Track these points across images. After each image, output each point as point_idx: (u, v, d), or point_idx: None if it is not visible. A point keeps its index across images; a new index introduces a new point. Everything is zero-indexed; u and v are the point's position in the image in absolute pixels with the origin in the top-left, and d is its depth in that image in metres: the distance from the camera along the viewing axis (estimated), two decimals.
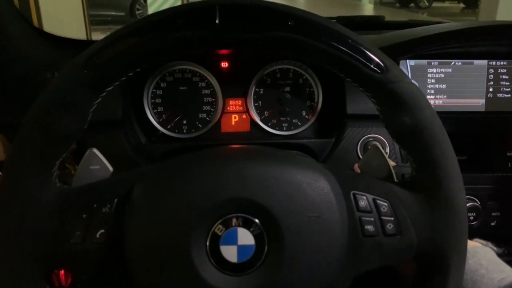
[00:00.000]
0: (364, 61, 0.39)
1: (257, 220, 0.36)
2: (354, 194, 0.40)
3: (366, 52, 0.39)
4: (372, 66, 0.39)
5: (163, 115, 0.78)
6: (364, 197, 0.40)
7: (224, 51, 0.77)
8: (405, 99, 0.40)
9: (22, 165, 0.38)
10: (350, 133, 0.72)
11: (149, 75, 0.76)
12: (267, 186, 0.37)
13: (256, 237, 0.36)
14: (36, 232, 0.37)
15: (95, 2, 5.81)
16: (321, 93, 0.79)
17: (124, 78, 0.39)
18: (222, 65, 0.78)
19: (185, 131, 0.79)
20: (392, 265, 0.41)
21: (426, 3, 10.56)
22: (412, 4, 10.74)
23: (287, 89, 0.79)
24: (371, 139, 0.72)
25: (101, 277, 0.40)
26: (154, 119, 0.78)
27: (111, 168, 0.49)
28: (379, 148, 0.48)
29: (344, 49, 0.39)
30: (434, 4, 10.81)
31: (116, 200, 0.39)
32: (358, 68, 0.40)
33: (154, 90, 0.77)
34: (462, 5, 11.00)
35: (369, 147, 0.71)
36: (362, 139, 0.72)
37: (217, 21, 0.38)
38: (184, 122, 0.78)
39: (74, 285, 0.60)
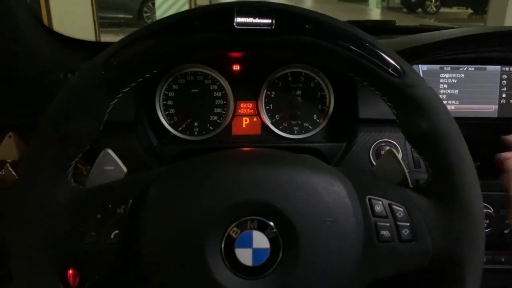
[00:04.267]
0: (381, 65, 0.39)
1: (272, 223, 0.36)
2: (369, 199, 0.40)
3: (383, 56, 0.39)
4: (389, 70, 0.39)
5: (175, 117, 0.78)
6: (380, 202, 0.40)
7: (236, 54, 0.77)
8: (423, 103, 0.40)
9: (38, 165, 0.38)
10: (362, 137, 0.71)
11: (161, 78, 0.76)
12: (283, 189, 0.37)
13: (271, 240, 0.36)
14: (50, 232, 0.38)
15: (104, 4, 5.86)
16: (333, 97, 0.78)
17: (141, 79, 0.40)
18: (234, 68, 0.78)
19: (196, 133, 0.79)
20: (407, 272, 0.40)
21: (434, 9, 10.51)
22: (419, 10, 10.70)
23: (299, 92, 0.79)
24: (383, 144, 0.71)
25: (114, 278, 0.40)
26: (166, 121, 0.78)
27: (125, 169, 0.49)
28: (393, 153, 0.48)
29: (362, 52, 0.39)
30: (442, 10, 10.77)
31: (131, 201, 0.39)
32: (375, 72, 0.40)
33: (166, 92, 0.77)
34: (470, 10, 10.94)
35: (381, 152, 0.70)
36: (374, 143, 0.71)
37: (234, 24, 0.38)
38: (195, 124, 0.78)
39: (82, 286, 0.60)
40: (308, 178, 0.38)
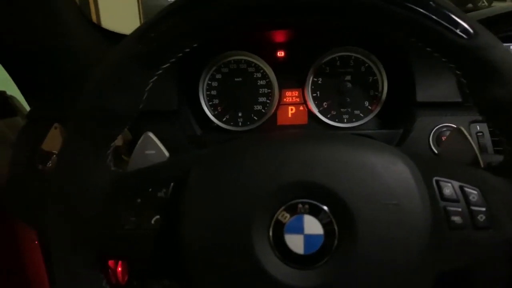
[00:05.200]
0: (448, 25, 0.34)
1: (325, 207, 0.33)
2: (437, 181, 0.36)
3: (450, 15, 0.34)
4: (457, 31, 0.34)
5: (218, 108, 0.76)
6: (449, 184, 0.35)
7: (280, 38, 0.73)
8: (499, 68, 0.34)
9: (76, 147, 0.37)
10: (420, 123, 0.66)
11: (204, 67, 0.75)
12: (337, 169, 0.34)
13: (324, 226, 0.33)
14: (88, 217, 0.36)
15: (150, 2, 6.02)
16: (386, 81, 0.74)
17: (181, 54, 0.37)
18: (278, 54, 0.75)
19: (240, 123, 0.77)
20: (482, 263, 0.36)
21: (486, 3, 9.92)
22: (470, 5, 10.14)
23: (348, 78, 0.74)
24: (444, 129, 0.65)
25: (156, 267, 0.38)
26: (210, 112, 0.77)
27: (167, 153, 0.47)
28: (462, 131, 0.43)
29: (425, 12, 0.34)
30: (494, 4, 10.13)
31: (172, 184, 0.37)
32: (440, 33, 0.34)
33: (209, 82, 0.76)
34: None
35: (443, 138, 0.64)
36: (435, 129, 0.65)
37: None
38: (240, 114, 0.76)
39: (130, 282, 0.59)
40: (366, 156, 0.35)
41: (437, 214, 0.34)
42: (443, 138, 0.64)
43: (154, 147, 0.46)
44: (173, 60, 0.37)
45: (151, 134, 0.47)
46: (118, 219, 0.36)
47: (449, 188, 0.35)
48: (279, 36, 0.73)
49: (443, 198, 0.35)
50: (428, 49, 0.36)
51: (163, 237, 0.36)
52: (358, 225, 0.32)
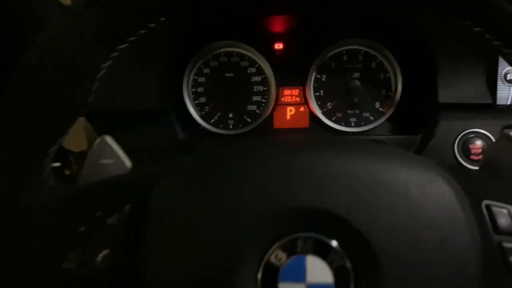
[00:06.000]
0: None
1: (336, 244, 0.25)
2: (488, 206, 0.28)
3: None
4: None
5: (206, 107, 0.69)
6: (505, 211, 0.28)
7: (278, 28, 0.66)
8: None
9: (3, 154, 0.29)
10: (443, 127, 0.58)
11: (189, 59, 0.68)
12: (354, 190, 0.26)
13: (335, 271, 0.25)
14: (19, 251, 0.29)
15: None
16: (401, 79, 0.67)
17: (144, 30, 0.30)
18: (276, 46, 0.68)
19: (231, 126, 0.70)
20: None
21: None
22: None
23: (356, 75, 0.68)
24: (472, 135, 0.57)
25: None
26: (195, 112, 0.70)
27: (129, 164, 0.37)
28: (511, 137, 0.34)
29: None
30: None
31: (128, 206, 0.30)
32: None
33: (195, 78, 0.69)
34: None
35: (470, 146, 0.55)
36: (461, 135, 0.57)
37: None
38: (230, 115, 0.69)
39: None
40: (393, 173, 0.27)
41: (489, 253, 0.27)
42: (471, 147, 0.56)
43: (112, 155, 0.37)
44: (133, 38, 0.30)
45: (108, 138, 0.37)
46: (52, 255, 0.29)
47: (504, 216, 0.28)
48: (278, 25, 0.66)
49: (498, 230, 0.28)
50: (466, 22, 0.29)
51: (114, 280, 0.29)
52: (383, 271, 0.24)
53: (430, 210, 0.26)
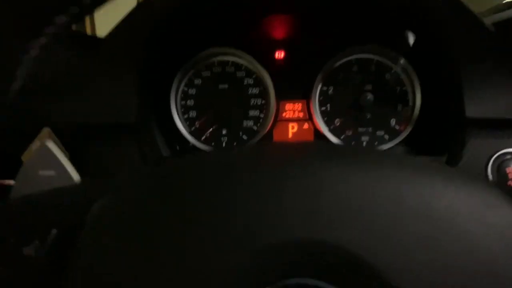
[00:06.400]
0: None
1: None
2: None
3: None
4: None
5: (196, 123, 0.63)
6: None
7: (280, 33, 0.60)
8: None
9: None
10: (473, 147, 0.49)
11: (178, 68, 0.61)
12: (373, 216, 0.20)
13: None
14: None
15: None
16: (419, 92, 0.59)
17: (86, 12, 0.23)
18: (277, 54, 0.63)
19: (224, 144, 0.63)
20: None
21: None
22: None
23: (368, 87, 0.61)
24: (509, 156, 0.48)
25: None
26: (184, 128, 0.63)
27: (76, 177, 0.29)
28: None
29: None
30: None
31: (54, 231, 0.25)
32: None
33: (185, 89, 0.63)
34: None
35: (507, 169, 0.46)
36: (495, 156, 0.48)
37: None
38: (224, 132, 0.63)
39: None
40: (442, 196, 0.20)
41: None
42: (508, 170, 0.46)
43: (54, 166, 0.28)
44: (68, 24, 0.23)
45: (50, 144, 0.29)
46: None
47: None
48: (279, 30, 0.60)
49: None
50: None
51: None
52: None
53: (494, 248, 0.19)
